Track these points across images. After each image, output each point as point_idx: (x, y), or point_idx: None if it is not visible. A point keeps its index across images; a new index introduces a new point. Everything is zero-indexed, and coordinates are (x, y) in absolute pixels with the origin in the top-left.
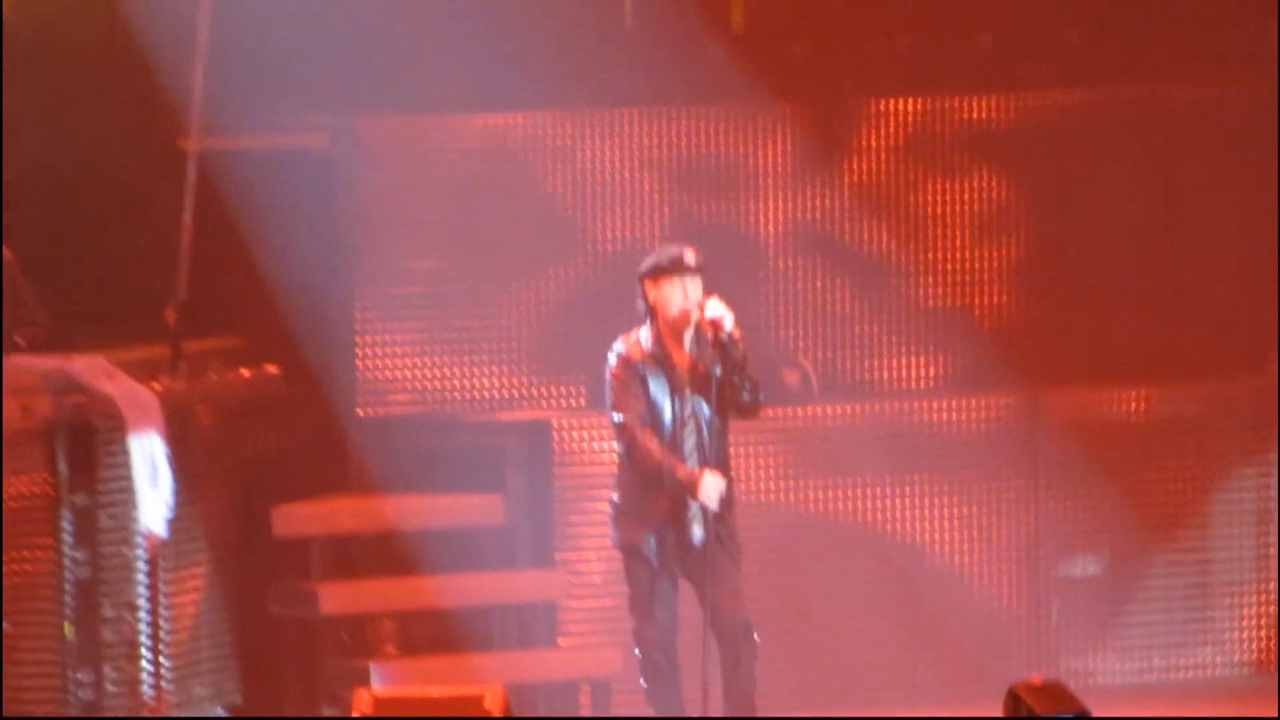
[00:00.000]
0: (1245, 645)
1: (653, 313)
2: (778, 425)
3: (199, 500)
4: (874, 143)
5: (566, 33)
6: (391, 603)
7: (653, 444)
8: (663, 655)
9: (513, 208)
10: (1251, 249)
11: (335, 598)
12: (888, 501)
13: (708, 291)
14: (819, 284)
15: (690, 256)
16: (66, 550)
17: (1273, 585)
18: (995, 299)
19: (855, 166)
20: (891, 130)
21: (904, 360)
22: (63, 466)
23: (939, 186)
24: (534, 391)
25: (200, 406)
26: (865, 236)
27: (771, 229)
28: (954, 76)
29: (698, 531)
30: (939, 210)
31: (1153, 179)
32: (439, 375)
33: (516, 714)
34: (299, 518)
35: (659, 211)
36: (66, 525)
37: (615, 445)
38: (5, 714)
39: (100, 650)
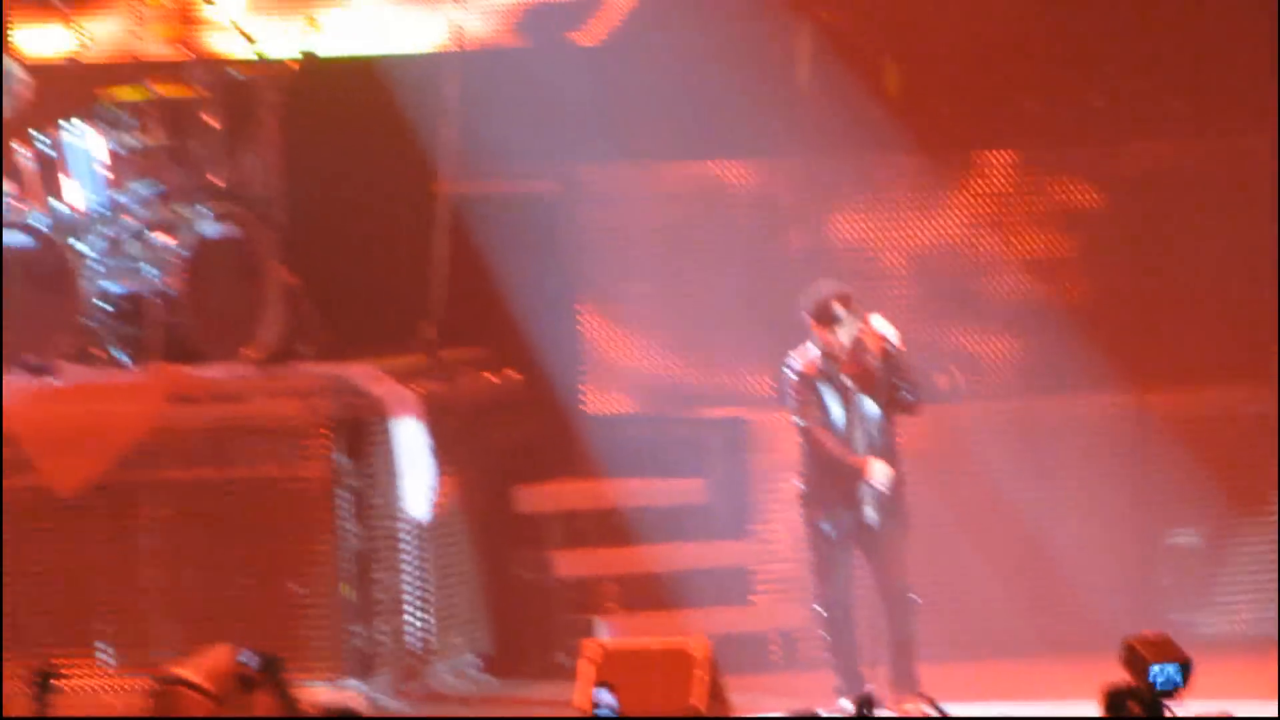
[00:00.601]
0: None
1: (821, 334)
2: (930, 418)
3: (453, 482)
4: (1004, 187)
5: (753, 91)
6: (613, 568)
7: (830, 440)
8: (840, 611)
9: (711, 241)
10: None
11: (567, 563)
12: (1021, 483)
13: (869, 310)
14: (956, 302)
15: (843, 288)
16: (343, 524)
17: None
18: (1106, 315)
19: (985, 207)
20: (1018, 176)
21: (1029, 364)
22: (340, 455)
23: (1055, 224)
24: (730, 390)
25: (454, 405)
26: (993, 265)
27: (916, 252)
28: (1075, 129)
29: (869, 511)
30: (1055, 245)
31: (1235, 213)
32: (651, 378)
33: (717, 660)
34: (537, 497)
35: (826, 241)
36: (343, 504)
37: (799, 439)
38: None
39: (372, 608)
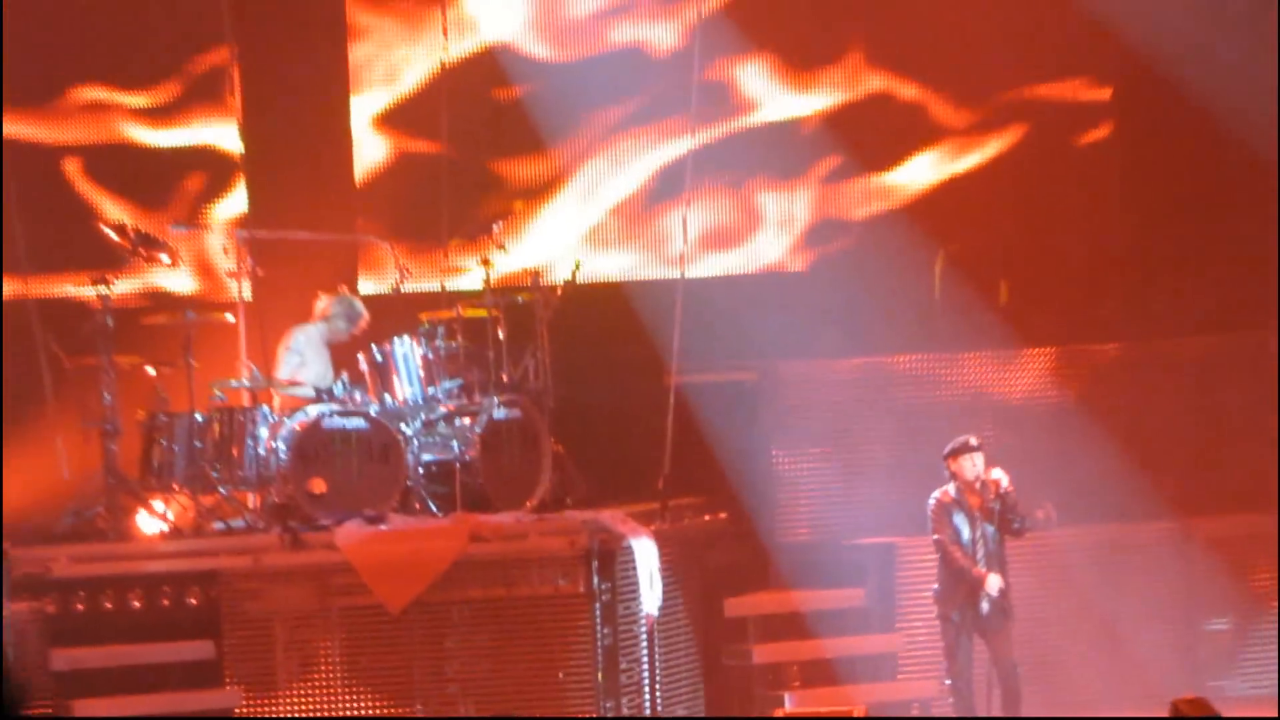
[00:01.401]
0: None
1: (954, 475)
2: (1030, 542)
3: (678, 595)
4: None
5: (902, 303)
6: (797, 656)
7: (959, 554)
8: (964, 683)
9: (871, 414)
10: None
11: (762, 654)
12: (1098, 588)
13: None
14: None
15: (974, 441)
16: (597, 627)
17: None
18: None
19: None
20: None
21: (1101, 500)
22: (595, 576)
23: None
24: (885, 521)
25: (678, 538)
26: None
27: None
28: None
29: (985, 606)
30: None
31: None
32: (827, 515)
33: None
34: (740, 605)
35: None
36: (597, 612)
37: (936, 553)
38: None
39: (619, 689)
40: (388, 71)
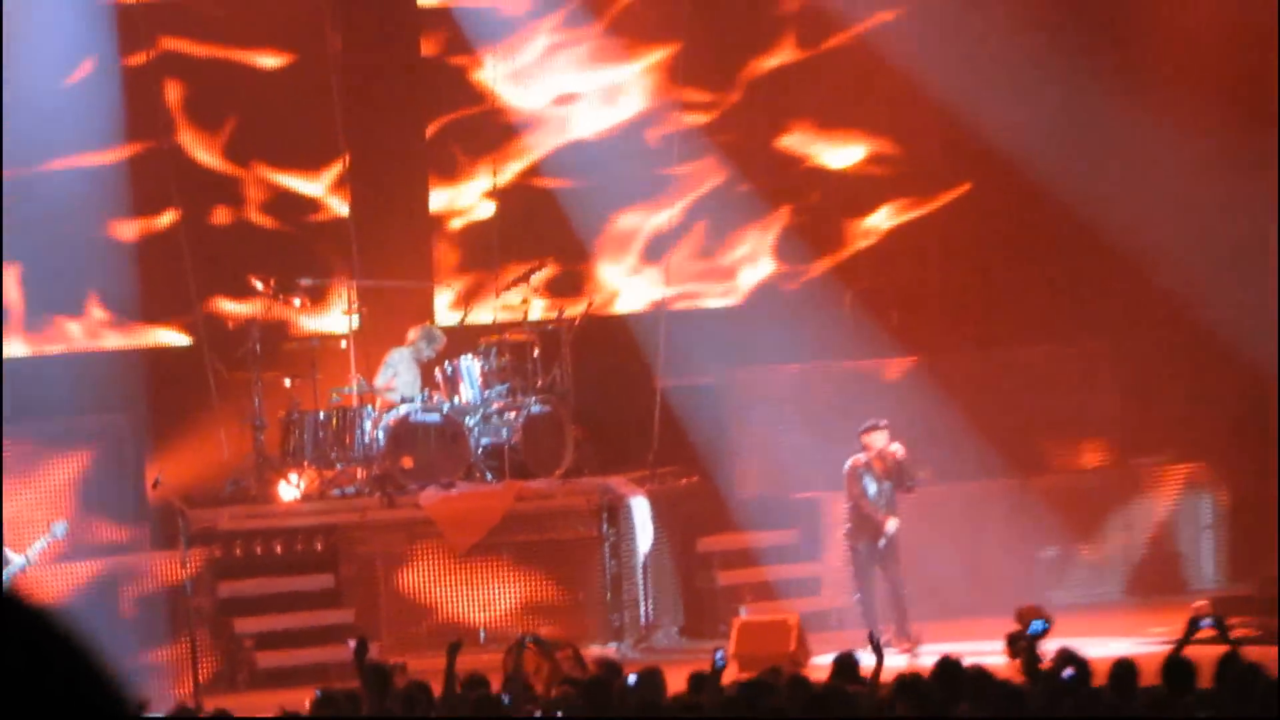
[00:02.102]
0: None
1: (865, 447)
2: (916, 495)
3: (663, 536)
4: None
5: (820, 322)
6: (749, 580)
7: (866, 504)
8: (868, 597)
9: (803, 405)
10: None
11: (724, 578)
12: (965, 529)
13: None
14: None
15: (881, 423)
16: (606, 560)
17: None
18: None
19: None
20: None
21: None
22: (605, 524)
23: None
24: (812, 482)
25: (663, 495)
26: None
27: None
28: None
29: (883, 543)
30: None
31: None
32: (770, 476)
33: (802, 625)
34: (708, 544)
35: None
36: (606, 550)
37: (848, 504)
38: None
39: (621, 603)
40: (455, 176)
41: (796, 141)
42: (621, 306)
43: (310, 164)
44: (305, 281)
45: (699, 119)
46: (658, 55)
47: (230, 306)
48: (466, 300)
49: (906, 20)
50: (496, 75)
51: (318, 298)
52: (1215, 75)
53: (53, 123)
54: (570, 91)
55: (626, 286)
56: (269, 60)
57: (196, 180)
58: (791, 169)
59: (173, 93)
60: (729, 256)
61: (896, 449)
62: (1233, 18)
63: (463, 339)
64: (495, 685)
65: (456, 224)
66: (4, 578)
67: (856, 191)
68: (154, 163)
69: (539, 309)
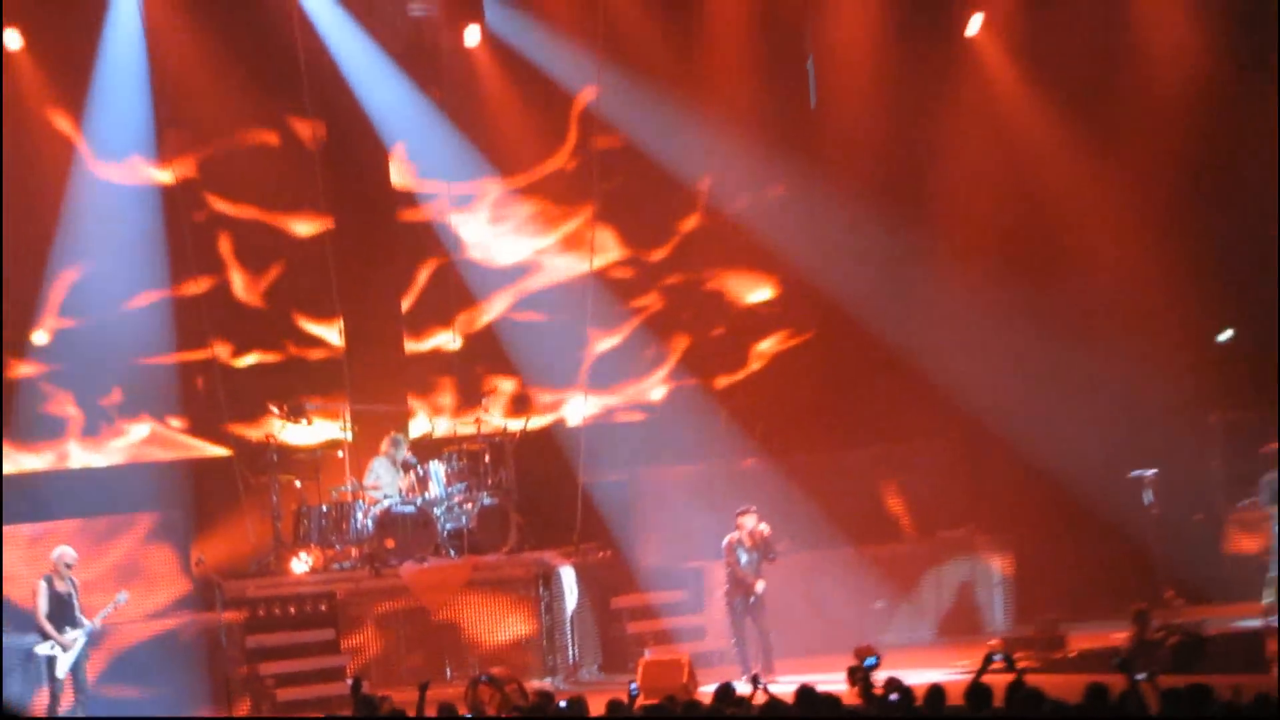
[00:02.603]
0: None
1: (739, 526)
2: (778, 563)
3: (585, 597)
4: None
5: (703, 431)
6: (652, 628)
7: (739, 570)
8: (740, 642)
9: (692, 495)
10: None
11: (635, 627)
12: (815, 585)
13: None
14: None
15: (752, 508)
16: (542, 615)
17: None
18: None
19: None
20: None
21: (810, 538)
22: (541, 587)
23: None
24: (697, 554)
25: (585, 566)
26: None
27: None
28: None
29: (753, 600)
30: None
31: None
32: (666, 549)
33: (692, 662)
34: (620, 601)
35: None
36: (542, 608)
37: (726, 570)
38: None
39: (555, 648)
40: (425, 323)
41: (711, 282)
42: (555, 419)
43: (313, 311)
44: (310, 406)
45: (625, 272)
46: (579, 220)
47: (250, 430)
48: (432, 416)
49: (788, 196)
50: (458, 237)
51: (320, 416)
52: (986, 243)
53: (115, 271)
54: (521, 250)
55: (558, 404)
56: (302, 227)
57: (230, 320)
58: (696, 304)
59: (225, 245)
60: (638, 382)
61: (764, 528)
62: (999, 199)
63: (431, 448)
64: (462, 710)
65: (423, 355)
66: (83, 638)
67: (745, 325)
68: (197, 303)
69: (490, 424)
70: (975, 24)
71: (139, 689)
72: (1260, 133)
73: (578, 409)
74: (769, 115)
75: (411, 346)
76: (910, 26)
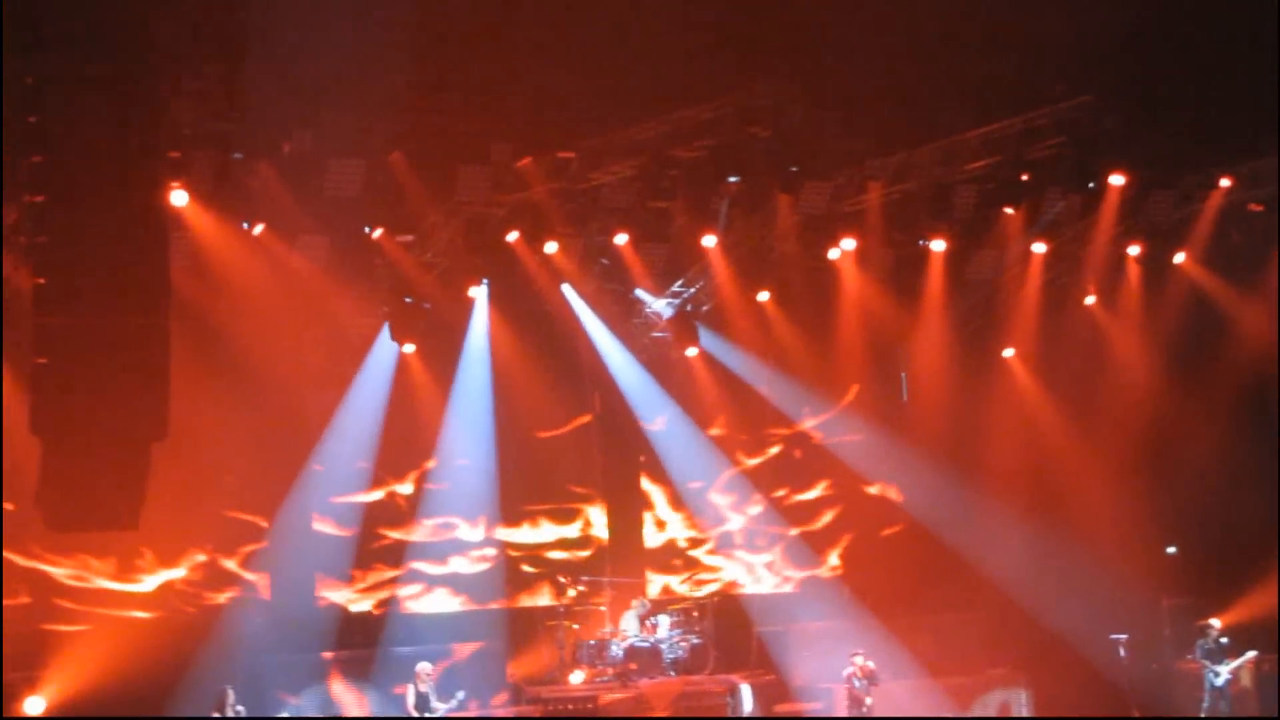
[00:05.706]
0: None
1: (852, 662)
2: (879, 686)
3: (757, 703)
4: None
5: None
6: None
7: (854, 691)
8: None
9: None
10: None
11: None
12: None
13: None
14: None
15: (860, 650)
16: (730, 714)
17: None
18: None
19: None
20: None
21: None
22: (730, 697)
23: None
24: None
25: (756, 687)
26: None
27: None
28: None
29: (864, 709)
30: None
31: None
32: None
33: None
34: (780, 709)
35: None
36: (729, 710)
37: (844, 690)
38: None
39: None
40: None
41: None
42: (742, 587)
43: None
44: (584, 579)
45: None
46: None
47: (542, 598)
48: (660, 589)
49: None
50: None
51: (590, 587)
52: (1017, 485)
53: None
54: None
55: (741, 575)
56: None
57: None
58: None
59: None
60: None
61: (870, 664)
62: (1025, 460)
63: (659, 605)
64: None
65: (659, 549)
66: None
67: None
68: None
69: (697, 592)
70: (1009, 351)
71: None
72: (1192, 428)
73: (753, 583)
74: (872, 402)
75: (649, 543)
76: (967, 349)
